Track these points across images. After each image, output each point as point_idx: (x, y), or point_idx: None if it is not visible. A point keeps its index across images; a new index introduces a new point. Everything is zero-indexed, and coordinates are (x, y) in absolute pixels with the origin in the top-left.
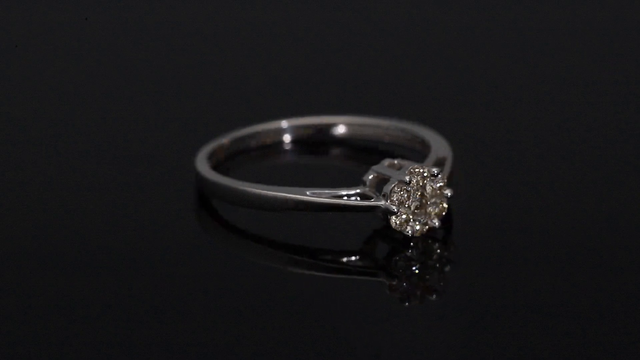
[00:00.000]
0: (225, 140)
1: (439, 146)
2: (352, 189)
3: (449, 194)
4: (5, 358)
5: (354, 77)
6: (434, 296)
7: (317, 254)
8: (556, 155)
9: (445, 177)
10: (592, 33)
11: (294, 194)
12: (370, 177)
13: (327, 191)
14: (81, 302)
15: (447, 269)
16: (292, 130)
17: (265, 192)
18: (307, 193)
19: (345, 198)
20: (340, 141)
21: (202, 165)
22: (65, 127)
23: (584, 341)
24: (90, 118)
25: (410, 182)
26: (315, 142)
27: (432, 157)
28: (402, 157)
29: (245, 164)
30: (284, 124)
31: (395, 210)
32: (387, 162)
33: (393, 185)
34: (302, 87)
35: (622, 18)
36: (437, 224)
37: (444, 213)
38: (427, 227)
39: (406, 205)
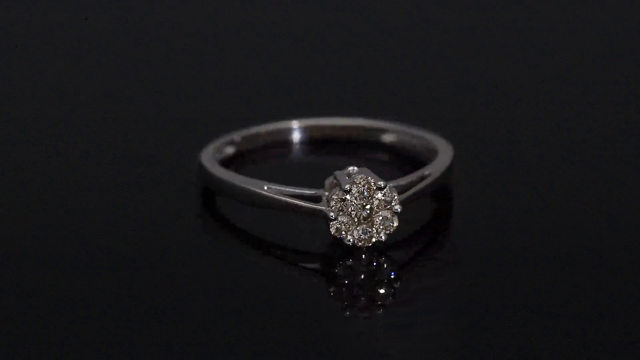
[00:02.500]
0: (235, 137)
1: (440, 159)
2: (309, 190)
3: (399, 210)
4: (5, 358)
5: (355, 77)
6: (380, 310)
7: (315, 255)
8: (556, 155)
9: (410, 194)
10: (592, 33)
11: (250, 186)
12: (329, 181)
13: (283, 188)
14: (81, 302)
15: (396, 284)
16: (302, 130)
17: (227, 179)
18: (265, 188)
19: (299, 198)
20: (350, 143)
21: (205, 154)
22: (65, 127)
23: (584, 341)
24: (90, 118)
25: (349, 190)
26: (326, 142)
27: (417, 172)
28: (413, 161)
29: (256, 161)
30: (294, 124)
31: (333, 216)
32: (348, 169)
33: (334, 192)
34: (301, 87)
35: (622, 18)
36: (383, 237)
37: (392, 228)
38: (373, 239)
39: (347, 214)
